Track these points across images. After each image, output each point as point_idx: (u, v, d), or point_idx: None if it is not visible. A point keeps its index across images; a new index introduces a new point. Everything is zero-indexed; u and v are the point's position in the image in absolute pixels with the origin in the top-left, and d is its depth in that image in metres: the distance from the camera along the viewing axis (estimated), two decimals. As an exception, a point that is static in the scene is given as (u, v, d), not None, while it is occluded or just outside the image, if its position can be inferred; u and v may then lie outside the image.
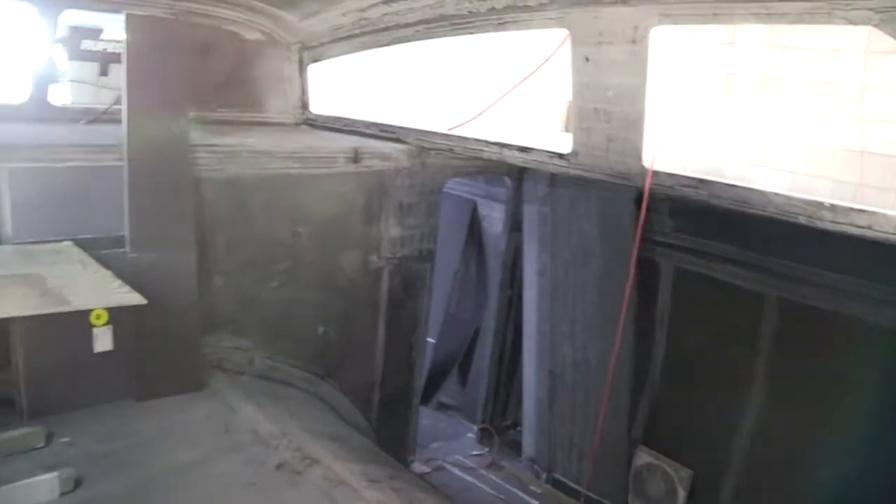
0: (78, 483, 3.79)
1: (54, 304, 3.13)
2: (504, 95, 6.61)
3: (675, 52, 6.69)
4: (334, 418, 5.37)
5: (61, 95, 5.23)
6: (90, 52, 5.40)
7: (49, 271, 3.54)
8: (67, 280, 3.43)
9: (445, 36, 5.12)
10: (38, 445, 4.13)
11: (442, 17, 4.98)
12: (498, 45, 7.52)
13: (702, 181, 4.34)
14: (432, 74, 9.05)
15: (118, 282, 3.47)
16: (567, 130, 5.32)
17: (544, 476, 6.96)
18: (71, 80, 5.43)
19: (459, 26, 4.93)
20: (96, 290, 3.38)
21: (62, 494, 3.71)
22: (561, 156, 4.89)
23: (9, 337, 4.32)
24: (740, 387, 5.32)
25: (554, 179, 6.35)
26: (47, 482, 3.72)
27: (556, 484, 6.85)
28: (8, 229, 4.25)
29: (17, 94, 5.13)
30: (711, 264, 5.39)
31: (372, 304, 5.82)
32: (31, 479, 3.75)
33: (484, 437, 7.71)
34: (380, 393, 6.09)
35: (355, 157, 5.39)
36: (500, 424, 7.71)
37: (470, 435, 7.81)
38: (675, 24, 3.99)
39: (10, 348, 4.34)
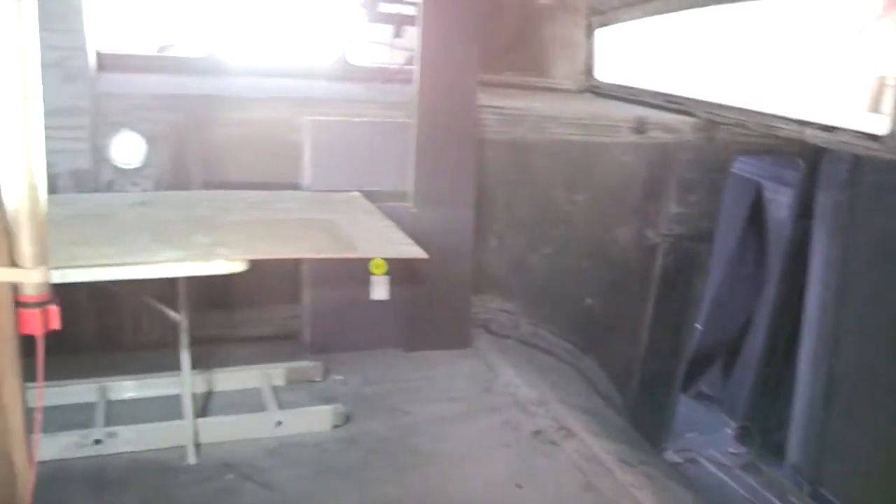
0: (348, 419, 4.04)
1: (344, 249, 3.29)
2: (805, 69, 6.03)
3: None
4: (591, 393, 5.27)
5: (359, 56, 5.50)
6: (386, 14, 5.59)
7: (340, 218, 3.73)
8: (356, 228, 3.59)
9: (747, 0, 4.72)
10: (316, 379, 4.46)
11: (747, -21, 4.60)
12: (795, 11, 6.85)
13: None
14: (720, 43, 8.46)
15: (402, 234, 3.59)
16: (875, 111, 4.73)
17: (808, 489, 6.35)
18: (368, 42, 5.69)
19: (766, -11, 4.52)
20: (382, 241, 3.51)
21: (334, 427, 3.97)
22: (873, 137, 4.36)
23: (300, 276, 4.69)
24: None
25: (857, 164, 5.70)
26: (323, 413, 4.00)
27: (821, 499, 6.24)
28: (307, 177, 4.60)
29: (322, 54, 5.50)
30: None
31: (643, 280, 5.62)
32: (310, 408, 4.06)
33: (743, 435, 7.20)
34: (640, 373, 5.89)
35: (640, 127, 5.19)
36: (762, 424, 7.17)
37: (728, 430, 7.35)
38: None
39: (301, 287, 4.72)
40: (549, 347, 5.34)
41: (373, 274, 4.61)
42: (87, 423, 3.74)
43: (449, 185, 4.70)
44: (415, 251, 3.38)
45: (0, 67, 2.07)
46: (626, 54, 7.37)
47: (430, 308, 4.78)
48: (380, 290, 4.67)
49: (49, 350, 2.31)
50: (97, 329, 4.44)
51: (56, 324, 2.38)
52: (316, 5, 5.75)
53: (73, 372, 3.95)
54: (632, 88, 5.88)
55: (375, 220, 3.79)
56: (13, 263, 2.28)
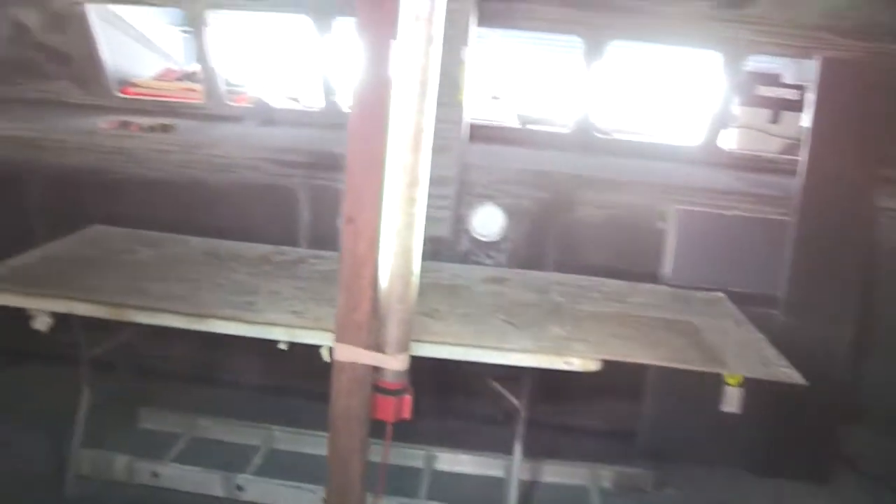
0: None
1: (711, 362, 2.93)
2: None
3: None
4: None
5: (729, 140, 5.11)
6: (764, 98, 5.17)
7: (703, 322, 3.38)
8: (722, 338, 3.22)
9: None
10: (647, 489, 4.13)
11: None
12: None
13: None
14: None
15: (775, 351, 3.14)
16: None
17: None
18: (740, 126, 5.28)
19: None
20: (751, 356, 3.09)
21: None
22: None
23: (644, 373, 4.36)
24: None
25: None
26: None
27: None
28: (666, 268, 4.28)
29: (689, 135, 5.19)
30: None
31: None
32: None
33: None
34: None
35: None
36: None
37: None
38: None
39: (642, 383, 4.38)
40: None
41: (727, 383, 4.15)
42: (410, 491, 3.78)
43: (828, 295, 4.16)
44: (792, 375, 2.92)
45: (395, 148, 2.05)
46: None
47: (787, 431, 4.21)
48: (732, 401, 4.18)
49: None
50: (431, 396, 4.47)
51: (407, 413, 2.31)
52: (687, 85, 5.51)
53: (403, 433, 4.00)
54: None
55: (744, 330, 3.37)
56: (378, 347, 2.25)
